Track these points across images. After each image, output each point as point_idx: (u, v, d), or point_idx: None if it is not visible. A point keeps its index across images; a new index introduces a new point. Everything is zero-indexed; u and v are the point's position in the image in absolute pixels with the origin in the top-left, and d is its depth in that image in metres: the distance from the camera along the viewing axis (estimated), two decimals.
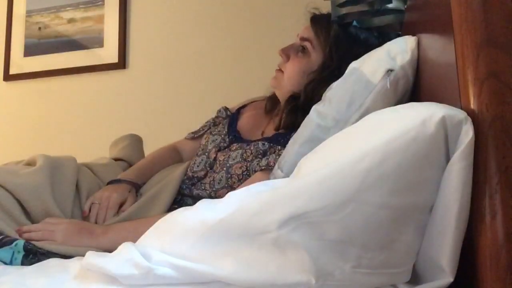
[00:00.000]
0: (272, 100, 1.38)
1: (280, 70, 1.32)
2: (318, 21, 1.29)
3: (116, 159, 1.44)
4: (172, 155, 1.48)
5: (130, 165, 1.44)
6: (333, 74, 1.16)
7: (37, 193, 1.10)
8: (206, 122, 1.49)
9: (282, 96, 1.32)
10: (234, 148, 1.28)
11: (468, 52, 0.63)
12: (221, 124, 1.42)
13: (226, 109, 1.48)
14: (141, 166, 1.38)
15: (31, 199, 1.09)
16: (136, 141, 1.56)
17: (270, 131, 1.29)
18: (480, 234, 0.60)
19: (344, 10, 1.18)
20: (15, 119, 2.47)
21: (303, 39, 1.29)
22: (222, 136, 1.36)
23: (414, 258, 0.67)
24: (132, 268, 0.68)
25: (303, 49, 1.28)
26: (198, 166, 1.32)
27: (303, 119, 1.09)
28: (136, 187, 1.28)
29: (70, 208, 1.15)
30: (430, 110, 0.65)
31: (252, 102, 1.49)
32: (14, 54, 2.50)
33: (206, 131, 1.45)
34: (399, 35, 1.19)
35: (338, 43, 1.23)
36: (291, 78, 1.28)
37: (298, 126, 1.10)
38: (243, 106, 1.48)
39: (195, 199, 1.24)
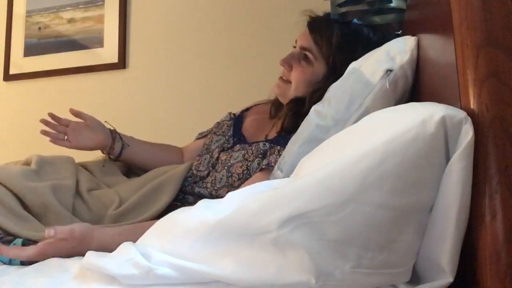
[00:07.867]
0: (276, 105, 1.36)
1: (283, 79, 1.29)
2: (316, 27, 1.25)
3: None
4: (171, 151, 1.49)
5: (127, 163, 1.45)
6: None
7: (34, 188, 1.12)
8: (212, 127, 1.49)
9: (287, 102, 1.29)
10: (237, 149, 1.29)
11: (468, 52, 0.63)
12: (225, 126, 1.42)
13: (230, 113, 1.48)
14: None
15: (28, 192, 1.10)
16: None
17: (273, 135, 1.29)
18: (480, 234, 0.60)
19: (343, 9, 1.18)
20: (15, 119, 2.46)
21: (303, 48, 1.25)
22: (227, 137, 1.37)
23: (414, 258, 0.67)
24: (132, 268, 0.68)
25: (306, 58, 1.24)
26: (202, 165, 1.33)
27: None
28: (115, 134, 1.39)
29: (71, 201, 1.16)
30: (430, 110, 0.65)
31: (255, 105, 1.49)
32: (14, 54, 2.49)
33: (210, 132, 1.47)
34: (398, 35, 1.19)
35: (340, 51, 1.20)
36: (297, 87, 1.25)
37: None
38: (247, 109, 1.48)
39: (196, 197, 1.25)
